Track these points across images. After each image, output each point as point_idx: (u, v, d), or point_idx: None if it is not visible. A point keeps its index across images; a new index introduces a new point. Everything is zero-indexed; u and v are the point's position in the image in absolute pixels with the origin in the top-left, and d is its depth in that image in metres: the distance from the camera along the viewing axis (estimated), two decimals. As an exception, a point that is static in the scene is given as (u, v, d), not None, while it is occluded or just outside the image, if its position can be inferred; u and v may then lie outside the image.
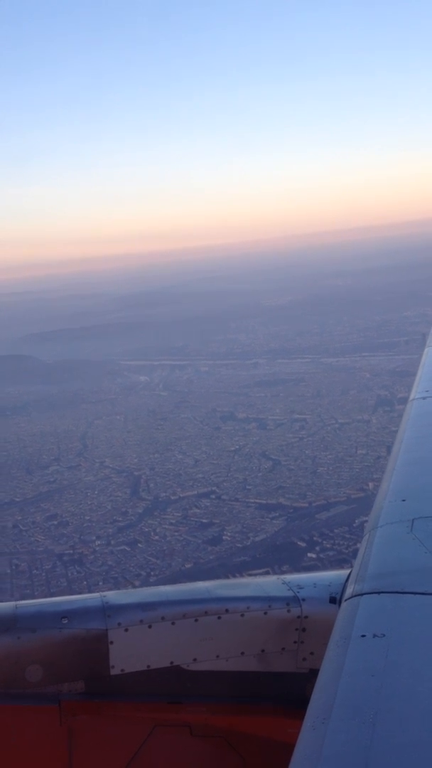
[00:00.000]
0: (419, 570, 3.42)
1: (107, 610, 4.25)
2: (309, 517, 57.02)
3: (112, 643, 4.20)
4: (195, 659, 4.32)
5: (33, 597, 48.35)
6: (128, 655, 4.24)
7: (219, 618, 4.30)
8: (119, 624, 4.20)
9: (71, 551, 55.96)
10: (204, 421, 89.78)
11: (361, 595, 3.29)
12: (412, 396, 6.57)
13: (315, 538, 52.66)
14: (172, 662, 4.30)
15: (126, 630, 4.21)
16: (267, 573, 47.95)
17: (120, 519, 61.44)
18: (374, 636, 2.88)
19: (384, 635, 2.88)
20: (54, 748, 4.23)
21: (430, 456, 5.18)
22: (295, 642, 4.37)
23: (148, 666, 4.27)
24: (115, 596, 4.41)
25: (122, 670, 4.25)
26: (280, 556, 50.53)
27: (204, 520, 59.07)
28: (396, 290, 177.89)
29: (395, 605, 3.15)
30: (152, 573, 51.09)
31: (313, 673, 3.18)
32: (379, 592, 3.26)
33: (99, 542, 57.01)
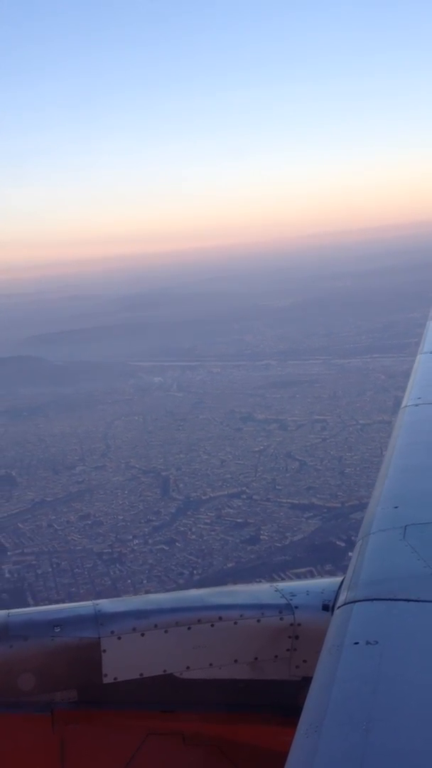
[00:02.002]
0: (412, 577, 3.45)
1: (100, 619, 4.26)
2: (344, 517, 57.79)
3: (104, 651, 4.20)
4: (188, 667, 4.32)
5: (79, 595, 49.23)
6: (121, 663, 4.24)
7: (212, 626, 4.31)
8: (112, 632, 4.21)
9: (110, 550, 56.60)
10: (223, 422, 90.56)
11: (354, 602, 3.31)
12: (404, 403, 6.61)
13: (353, 538, 53.17)
14: (165, 670, 4.30)
15: (119, 638, 4.22)
16: (310, 573, 49.04)
17: (154, 518, 62.11)
18: (367, 643, 2.90)
19: (377, 642, 2.89)
20: (47, 756, 4.21)
21: (423, 463, 5.21)
22: (288, 650, 4.37)
23: (141, 674, 4.27)
24: (107, 604, 4.43)
25: (115, 679, 4.24)
26: (320, 555, 51.30)
27: (239, 520, 59.81)
28: (398, 291, 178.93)
29: (388, 612, 3.17)
30: (195, 572, 51.81)
31: (306, 681, 3.19)
32: (371, 600, 3.28)
33: (136, 541, 57.67)
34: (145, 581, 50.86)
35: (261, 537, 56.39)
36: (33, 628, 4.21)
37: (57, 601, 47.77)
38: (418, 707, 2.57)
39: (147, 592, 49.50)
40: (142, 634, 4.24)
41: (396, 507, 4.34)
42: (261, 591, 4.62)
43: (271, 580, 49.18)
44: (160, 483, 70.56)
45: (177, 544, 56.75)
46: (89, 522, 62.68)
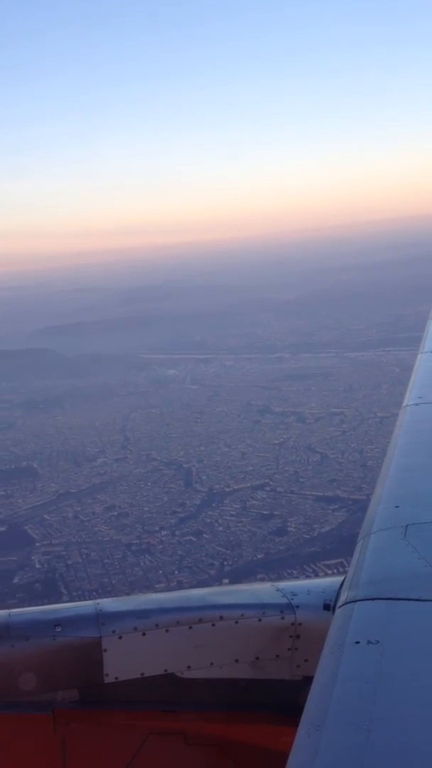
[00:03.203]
0: (413, 576, 3.46)
1: (101, 618, 4.26)
2: (370, 509, 58.19)
3: (105, 651, 4.21)
4: (189, 667, 4.32)
5: (111, 585, 49.75)
6: (122, 662, 4.25)
7: (213, 625, 4.31)
8: (113, 632, 4.21)
9: (138, 541, 57.00)
10: (241, 414, 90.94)
11: (355, 601, 3.32)
12: (405, 402, 6.60)
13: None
14: (166, 670, 4.30)
15: (120, 638, 4.22)
16: (341, 564, 49.37)
17: (179, 510, 62.49)
18: (368, 642, 2.91)
19: (378, 642, 2.90)
20: (48, 756, 4.21)
21: (424, 462, 5.21)
22: (289, 649, 4.37)
23: (142, 674, 4.28)
24: (108, 604, 4.44)
25: (116, 678, 4.25)
26: (350, 547, 50.85)
27: (264, 512, 60.22)
28: (404, 284, 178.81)
29: (389, 612, 3.18)
30: (225, 563, 52.26)
31: (308, 680, 3.20)
32: (373, 599, 3.29)
33: (164, 533, 58.09)
34: (176, 572, 51.34)
35: (288, 529, 56.80)
36: (34, 628, 4.21)
37: (90, 592, 48.37)
38: (420, 706, 2.56)
39: (179, 583, 49.99)
40: (144, 634, 4.24)
41: (397, 506, 4.35)
42: (262, 590, 4.62)
43: (303, 571, 49.80)
44: (182, 475, 70.97)
45: (205, 535, 57.16)
46: (115, 513, 63.08)
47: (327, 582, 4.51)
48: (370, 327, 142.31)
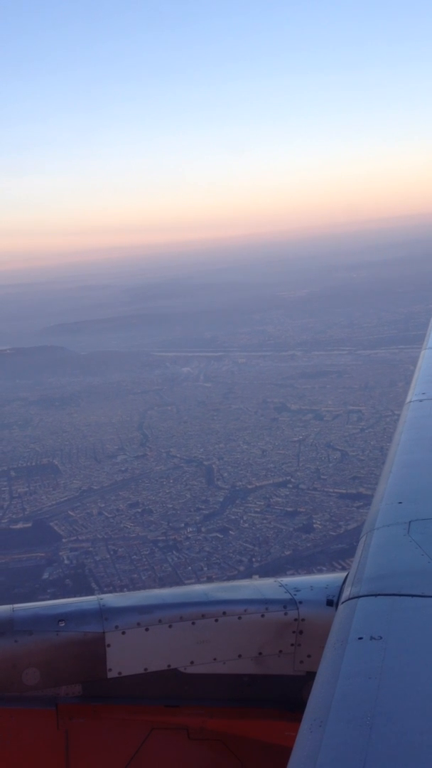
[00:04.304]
0: (416, 572, 3.47)
1: (104, 613, 4.26)
2: (394, 506, 58.47)
3: (109, 646, 4.22)
4: (192, 662, 4.34)
5: (142, 581, 50.04)
6: (125, 658, 4.25)
7: (216, 621, 4.32)
8: (116, 627, 4.22)
9: (164, 538, 57.32)
10: (257, 411, 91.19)
11: (358, 597, 3.34)
12: (408, 398, 6.60)
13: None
14: (169, 665, 4.32)
15: (123, 633, 4.22)
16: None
17: (203, 507, 62.78)
18: (371, 638, 2.92)
19: (381, 638, 2.92)
20: (51, 751, 4.22)
21: (427, 459, 5.20)
22: (292, 645, 4.37)
23: (146, 669, 4.28)
24: (112, 599, 4.44)
25: (119, 673, 4.26)
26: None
27: (288, 509, 60.51)
28: (414, 282, 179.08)
29: (392, 608, 3.19)
30: (254, 559, 52.54)
31: (311, 676, 3.24)
32: (375, 595, 3.31)
33: (190, 529, 58.40)
34: (205, 568, 51.64)
35: (315, 526, 57.06)
36: (38, 623, 4.21)
37: (121, 587, 48.69)
38: (422, 702, 2.57)
39: (209, 579, 50.31)
40: (147, 629, 4.25)
41: (400, 503, 4.36)
42: (265, 586, 4.61)
43: (332, 567, 50.07)
44: (203, 472, 71.25)
45: (231, 532, 57.45)
46: (139, 510, 63.38)
47: (330, 578, 4.53)
48: (382, 325, 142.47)
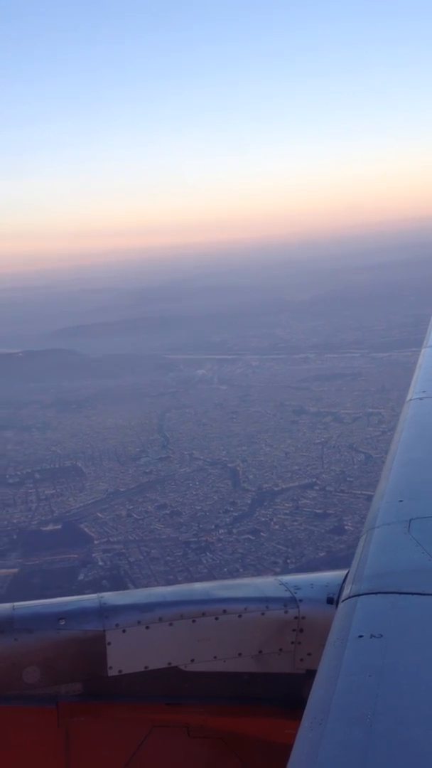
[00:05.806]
0: (416, 570, 3.48)
1: (105, 612, 4.28)
2: (424, 507, 58.83)
3: (109, 644, 4.23)
4: (192, 660, 4.35)
5: (179, 582, 50.22)
6: (126, 656, 4.27)
7: (216, 619, 4.33)
8: (117, 625, 4.24)
9: (196, 539, 57.61)
10: (276, 414, 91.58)
11: (359, 595, 3.33)
12: (409, 396, 6.61)
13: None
14: (169, 663, 4.33)
15: (123, 631, 4.24)
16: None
17: (231, 509, 63.08)
18: (372, 636, 2.92)
19: (381, 636, 2.92)
20: (52, 749, 4.24)
21: (427, 457, 5.22)
22: (292, 643, 4.39)
23: (146, 667, 4.30)
24: (112, 597, 4.45)
25: (120, 671, 4.27)
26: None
27: (318, 511, 60.84)
28: (419, 285, 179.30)
29: (393, 606, 3.19)
30: (289, 561, 52.80)
31: (311, 674, 3.23)
32: (376, 593, 3.30)
33: (221, 531, 58.72)
34: (240, 569, 51.88)
35: (346, 527, 57.34)
36: (38, 621, 4.23)
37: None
38: (423, 701, 2.57)
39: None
40: (147, 627, 4.27)
41: (400, 501, 4.35)
42: (265, 584, 4.63)
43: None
44: (228, 474, 71.57)
45: (262, 534, 57.77)
46: (167, 512, 63.66)
47: (330, 576, 4.53)
48: (392, 327, 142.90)
